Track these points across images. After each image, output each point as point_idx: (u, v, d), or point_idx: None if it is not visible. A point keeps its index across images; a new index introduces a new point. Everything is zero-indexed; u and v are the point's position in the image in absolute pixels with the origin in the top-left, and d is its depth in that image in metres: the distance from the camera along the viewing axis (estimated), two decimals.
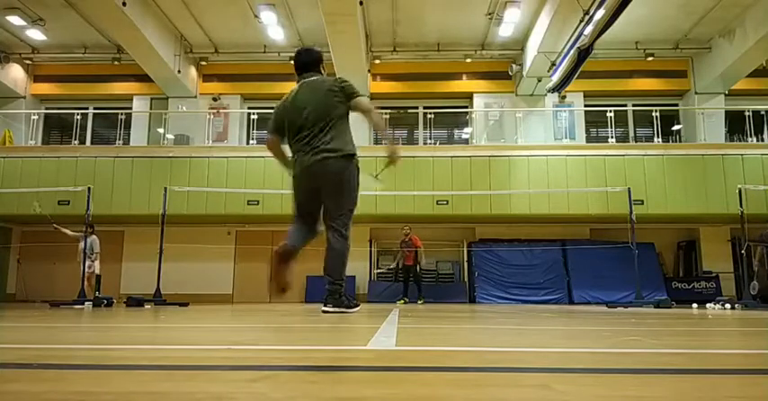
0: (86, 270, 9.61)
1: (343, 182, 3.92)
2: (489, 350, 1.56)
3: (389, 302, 11.32)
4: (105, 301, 8.47)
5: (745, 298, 8.90)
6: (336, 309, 3.90)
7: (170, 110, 14.30)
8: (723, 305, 8.50)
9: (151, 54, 12.49)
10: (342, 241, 3.95)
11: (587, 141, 13.73)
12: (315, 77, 4.17)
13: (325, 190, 3.94)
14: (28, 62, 14.63)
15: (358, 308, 4.14)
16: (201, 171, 12.09)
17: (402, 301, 10.97)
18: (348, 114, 4.06)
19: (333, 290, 3.95)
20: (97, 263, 10.39)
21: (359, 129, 15.08)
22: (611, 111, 13.08)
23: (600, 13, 9.69)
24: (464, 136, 14.84)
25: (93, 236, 10.33)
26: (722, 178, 11.55)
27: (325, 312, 3.90)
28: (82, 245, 9.91)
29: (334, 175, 3.90)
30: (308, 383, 0.93)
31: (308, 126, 3.93)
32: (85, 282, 9.31)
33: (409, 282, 11.57)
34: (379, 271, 12.97)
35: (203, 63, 14.54)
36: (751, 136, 12.74)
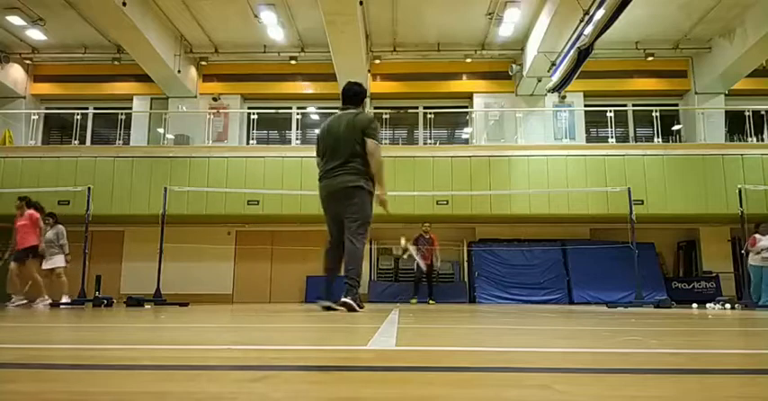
0: (59, 265, 8.78)
1: None
2: (489, 350, 1.56)
3: (390, 302, 11.32)
4: (105, 301, 8.46)
5: (744, 298, 8.91)
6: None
7: (170, 110, 14.29)
8: (723, 305, 8.51)
9: (151, 54, 12.49)
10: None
11: (587, 141, 13.72)
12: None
13: None
14: (28, 62, 14.63)
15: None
16: (201, 171, 12.09)
17: (414, 300, 11.01)
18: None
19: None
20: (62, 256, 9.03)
21: None
22: (611, 111, 13.08)
23: (600, 13, 9.69)
24: (464, 136, 14.83)
25: (60, 225, 9.13)
26: (722, 178, 11.54)
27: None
28: (51, 235, 8.85)
29: None
30: (308, 383, 0.93)
31: None
32: (59, 278, 8.73)
33: (421, 283, 11.53)
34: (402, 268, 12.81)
35: (203, 63, 14.53)
36: (751, 136, 12.73)
